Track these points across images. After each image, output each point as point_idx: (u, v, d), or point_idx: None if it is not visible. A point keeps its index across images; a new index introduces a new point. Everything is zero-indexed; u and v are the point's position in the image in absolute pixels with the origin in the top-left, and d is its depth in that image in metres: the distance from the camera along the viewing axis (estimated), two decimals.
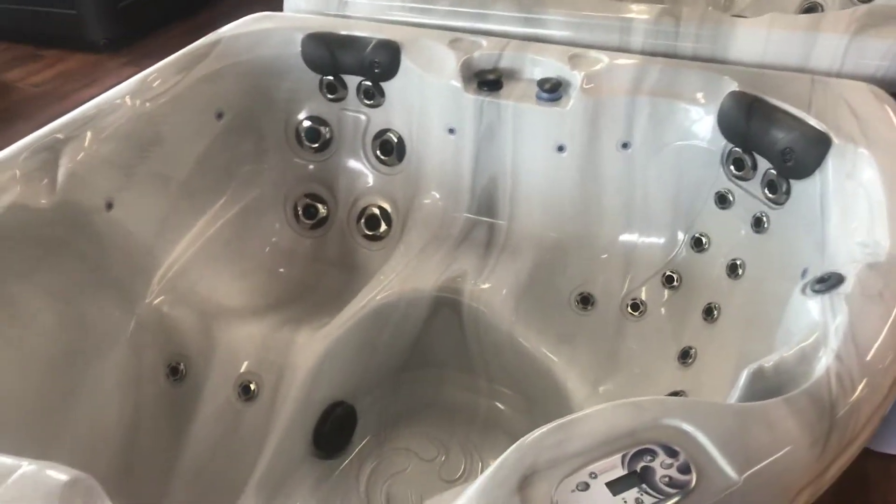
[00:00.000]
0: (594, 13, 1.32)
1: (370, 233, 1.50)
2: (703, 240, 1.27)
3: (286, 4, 1.53)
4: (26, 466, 0.64)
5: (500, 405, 1.34)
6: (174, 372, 1.23)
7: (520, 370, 1.27)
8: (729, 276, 1.20)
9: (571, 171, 1.32)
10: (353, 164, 1.50)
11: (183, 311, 1.26)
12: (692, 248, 1.29)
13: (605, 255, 1.35)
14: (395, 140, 1.46)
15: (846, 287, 0.79)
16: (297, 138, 1.50)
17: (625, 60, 1.25)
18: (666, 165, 1.26)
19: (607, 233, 1.35)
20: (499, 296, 1.27)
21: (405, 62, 1.35)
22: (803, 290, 0.85)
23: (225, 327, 1.27)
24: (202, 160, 1.35)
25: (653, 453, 0.62)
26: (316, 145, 1.50)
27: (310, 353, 1.22)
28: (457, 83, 1.30)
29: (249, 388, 1.22)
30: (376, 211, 1.50)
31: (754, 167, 1.15)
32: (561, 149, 1.30)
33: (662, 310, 1.30)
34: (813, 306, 0.81)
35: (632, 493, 0.59)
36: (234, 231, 1.42)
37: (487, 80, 1.30)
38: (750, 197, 1.17)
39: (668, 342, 1.25)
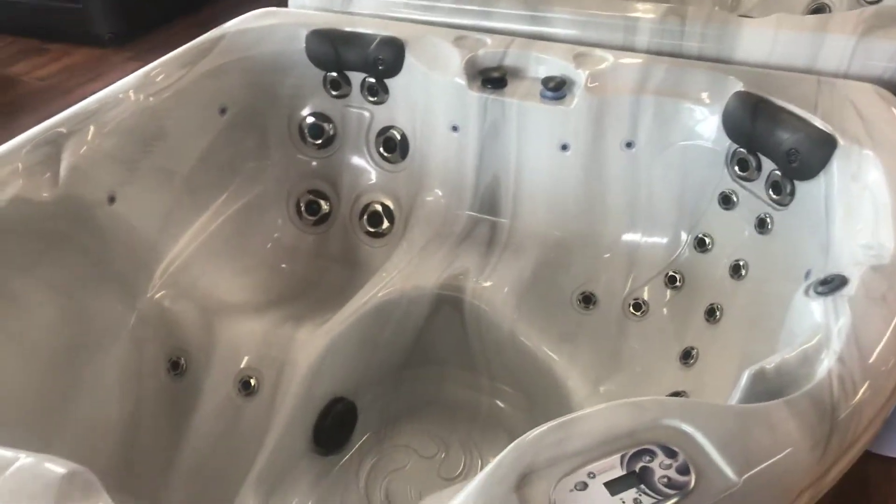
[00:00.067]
0: (599, 12, 1.31)
1: (372, 230, 1.50)
2: (707, 240, 1.27)
3: (291, 0, 1.53)
4: (24, 459, 0.64)
5: (500, 403, 1.34)
6: (175, 367, 1.23)
7: (521, 368, 1.27)
8: (732, 276, 1.20)
9: (575, 170, 1.31)
10: (357, 160, 1.50)
11: (184, 306, 1.26)
12: (695, 248, 1.28)
13: (608, 255, 1.35)
14: (399, 137, 1.45)
15: (849, 289, 0.78)
16: (300, 134, 1.50)
17: (630, 59, 1.25)
18: (670, 165, 1.26)
19: (610, 232, 1.35)
20: (500, 294, 1.27)
21: (409, 59, 1.35)
22: (806, 292, 0.85)
23: (226, 323, 1.28)
24: (205, 156, 1.35)
25: (652, 454, 0.62)
26: (319, 142, 1.50)
27: (311, 350, 1.22)
28: (461, 81, 1.30)
29: (250, 383, 1.23)
30: (379, 208, 1.50)
31: (759, 168, 1.15)
32: (565, 147, 1.30)
33: (665, 310, 1.30)
34: (816, 308, 0.80)
35: (630, 494, 0.59)
36: (237, 227, 1.42)
37: (492, 78, 1.29)
38: (754, 198, 1.16)
39: (669, 342, 1.24)
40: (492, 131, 1.33)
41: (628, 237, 1.34)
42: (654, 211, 1.31)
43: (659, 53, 1.27)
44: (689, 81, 1.20)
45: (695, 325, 1.23)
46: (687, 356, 1.20)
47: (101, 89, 1.21)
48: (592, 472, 0.61)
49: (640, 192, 1.31)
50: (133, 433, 1.14)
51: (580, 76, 1.25)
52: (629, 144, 1.27)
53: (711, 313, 1.21)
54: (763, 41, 1.21)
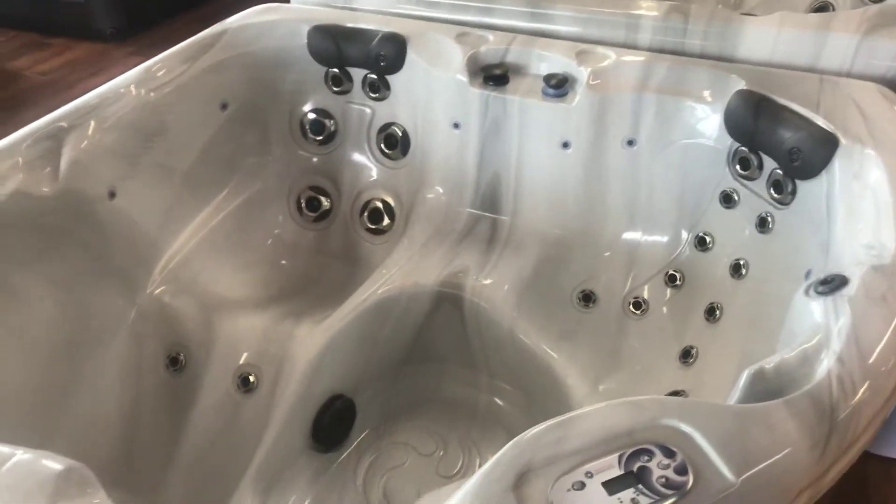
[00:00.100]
0: (602, 9, 1.31)
1: (373, 226, 1.50)
2: (707, 239, 1.26)
3: None
4: (21, 455, 0.64)
5: (499, 401, 1.34)
6: (174, 362, 1.23)
7: (520, 366, 1.27)
8: (732, 276, 1.20)
9: (576, 168, 1.31)
10: (358, 157, 1.50)
11: (184, 302, 1.26)
12: (696, 247, 1.28)
13: (608, 253, 1.35)
14: (400, 134, 1.45)
15: (850, 289, 0.78)
16: (301, 130, 1.50)
17: (632, 57, 1.24)
18: (671, 163, 1.26)
19: (611, 230, 1.35)
20: (500, 292, 1.27)
21: (411, 55, 1.34)
22: (807, 292, 0.84)
23: (226, 318, 1.27)
24: (206, 151, 1.35)
25: (650, 453, 0.62)
26: (320, 138, 1.50)
27: (310, 346, 1.22)
28: (463, 77, 1.29)
29: (249, 379, 1.22)
30: (379, 205, 1.49)
31: (760, 167, 1.14)
32: (566, 145, 1.29)
33: (664, 309, 1.29)
34: (816, 308, 0.80)
35: (628, 494, 0.59)
36: (237, 223, 1.42)
37: (493, 75, 1.29)
38: (755, 197, 1.16)
39: (669, 341, 1.24)
40: (493, 128, 1.32)
41: (629, 235, 1.34)
42: (654, 209, 1.31)
43: (661, 51, 1.27)
44: (692, 79, 1.20)
45: (694, 324, 1.22)
46: (686, 355, 1.20)
47: (102, 84, 1.21)
48: (590, 472, 0.60)
49: (641, 191, 1.30)
50: (132, 428, 1.15)
51: (582, 74, 1.24)
52: (630, 142, 1.26)
53: (711, 312, 1.21)
54: (766, 39, 1.21)
